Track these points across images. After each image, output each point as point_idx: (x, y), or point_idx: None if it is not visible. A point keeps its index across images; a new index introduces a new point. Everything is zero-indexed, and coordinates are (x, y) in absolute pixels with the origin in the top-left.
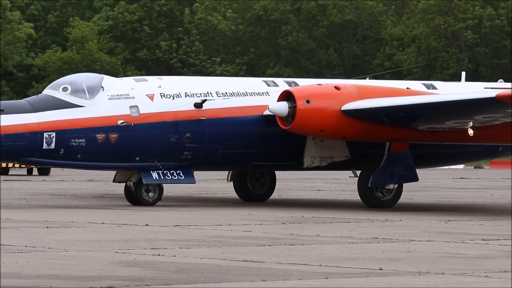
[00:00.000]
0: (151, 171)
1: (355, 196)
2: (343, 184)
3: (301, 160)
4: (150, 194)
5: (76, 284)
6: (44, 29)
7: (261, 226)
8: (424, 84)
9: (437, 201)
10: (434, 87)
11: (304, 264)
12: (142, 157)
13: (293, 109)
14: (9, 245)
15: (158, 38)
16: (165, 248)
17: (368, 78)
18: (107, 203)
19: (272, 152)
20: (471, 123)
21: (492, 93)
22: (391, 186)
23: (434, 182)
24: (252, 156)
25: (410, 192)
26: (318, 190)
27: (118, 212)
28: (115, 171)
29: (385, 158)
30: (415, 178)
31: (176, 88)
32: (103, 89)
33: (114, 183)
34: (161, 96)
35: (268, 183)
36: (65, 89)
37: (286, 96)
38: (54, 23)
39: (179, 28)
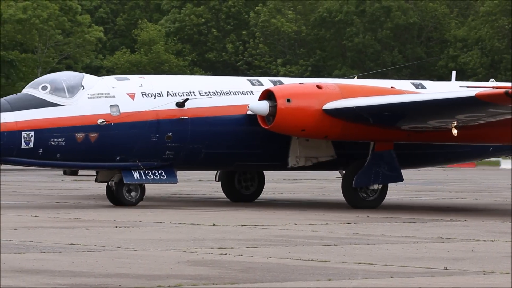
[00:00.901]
0: (132, 171)
1: (421, 196)
2: (408, 184)
3: (285, 160)
4: (132, 194)
5: (144, 283)
6: (113, 31)
7: (327, 226)
8: (413, 84)
9: (502, 201)
10: (423, 87)
11: (369, 264)
12: (123, 156)
13: (274, 108)
14: (79, 244)
15: (226, 40)
16: (232, 248)
17: (356, 77)
18: (175, 203)
19: (256, 152)
20: (455, 122)
21: (471, 92)
22: (375, 187)
23: (498, 182)
24: (236, 156)
25: (474, 193)
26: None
27: (185, 212)
28: (97, 171)
29: (369, 158)
30: (399, 178)
31: (158, 87)
32: (83, 88)
33: (97, 182)
34: (143, 95)
35: (256, 183)
36: (44, 88)
37: (268, 95)
38: (122, 26)
39: (243, 32)
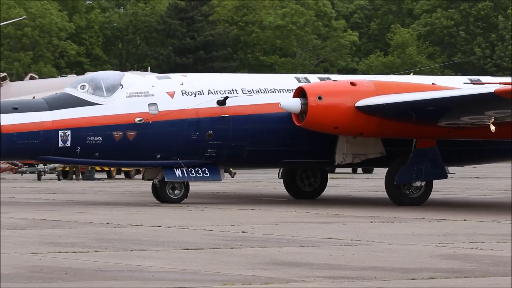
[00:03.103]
0: (175, 169)
1: None
2: None
3: (333, 157)
4: (176, 192)
5: (398, 276)
6: (367, 35)
7: None
8: (470, 79)
9: None
10: (480, 82)
11: None
12: (163, 154)
13: (305, 105)
14: (336, 239)
15: (474, 42)
16: (482, 242)
17: (412, 73)
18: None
19: (302, 149)
20: (492, 119)
21: (491, 89)
22: (418, 183)
23: None
24: (281, 153)
25: None
26: None
27: (437, 208)
28: (143, 169)
29: (411, 155)
30: (443, 176)
31: (199, 85)
32: (122, 87)
33: (143, 180)
34: (182, 93)
35: (318, 180)
36: (82, 87)
37: (302, 92)
38: (376, 30)
39: (492, 35)
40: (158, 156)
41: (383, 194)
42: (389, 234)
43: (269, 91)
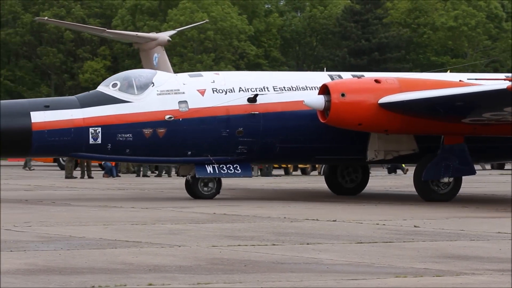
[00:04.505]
0: (206, 165)
1: None
2: None
3: (365, 154)
4: (208, 188)
5: None
6: None
7: None
8: (507, 77)
9: None
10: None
11: None
12: (194, 151)
13: (329, 102)
14: (505, 233)
15: None
16: None
17: (448, 71)
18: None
19: (334, 146)
20: None
21: (503, 85)
22: (446, 180)
23: None
24: (313, 150)
25: None
26: None
27: None
28: (177, 166)
29: (439, 152)
30: (471, 172)
31: (230, 83)
32: (153, 85)
33: (178, 176)
34: (213, 91)
35: (360, 177)
36: (114, 85)
37: (326, 90)
38: None
39: None
40: (189, 153)
41: None
42: None
43: (300, 88)
